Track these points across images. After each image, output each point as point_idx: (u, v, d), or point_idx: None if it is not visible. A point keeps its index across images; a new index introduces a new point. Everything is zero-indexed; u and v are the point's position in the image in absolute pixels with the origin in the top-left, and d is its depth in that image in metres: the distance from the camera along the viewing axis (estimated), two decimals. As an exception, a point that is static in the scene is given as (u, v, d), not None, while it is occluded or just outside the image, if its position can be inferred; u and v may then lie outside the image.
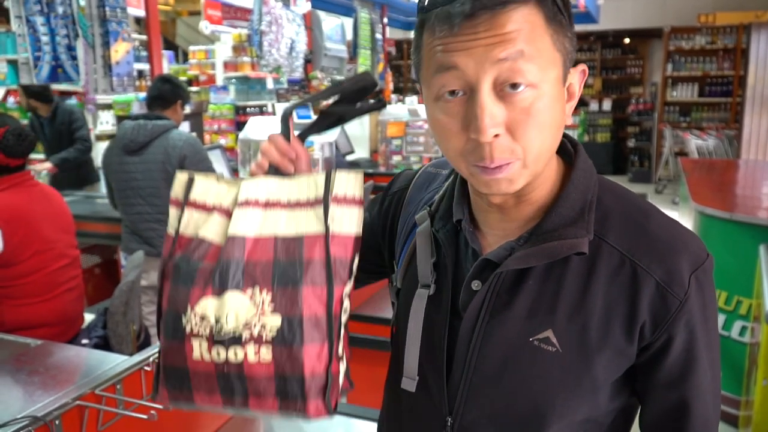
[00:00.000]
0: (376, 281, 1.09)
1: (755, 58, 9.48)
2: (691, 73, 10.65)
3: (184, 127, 3.63)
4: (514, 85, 0.71)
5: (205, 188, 0.85)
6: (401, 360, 0.90)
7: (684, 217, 4.84)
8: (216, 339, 0.79)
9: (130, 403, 1.48)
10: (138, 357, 1.60)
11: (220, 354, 0.79)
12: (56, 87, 5.55)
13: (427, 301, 0.87)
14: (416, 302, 0.88)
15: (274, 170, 0.87)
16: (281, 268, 0.80)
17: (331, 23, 5.97)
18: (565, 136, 0.84)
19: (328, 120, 0.92)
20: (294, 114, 0.90)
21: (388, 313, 1.00)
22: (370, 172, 5.37)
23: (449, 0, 0.71)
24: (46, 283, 2.30)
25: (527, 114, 0.72)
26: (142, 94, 4.91)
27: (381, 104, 0.92)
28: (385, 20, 7.35)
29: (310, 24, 5.48)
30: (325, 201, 0.83)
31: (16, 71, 3.48)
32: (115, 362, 1.59)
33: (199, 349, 0.80)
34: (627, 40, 12.21)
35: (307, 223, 0.82)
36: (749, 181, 5.00)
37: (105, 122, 6.04)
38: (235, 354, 0.79)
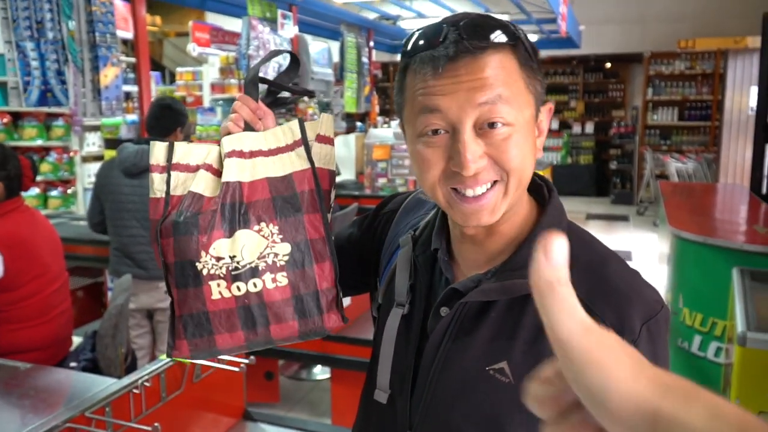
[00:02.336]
0: (355, 295, 1.16)
1: (732, 83, 9.70)
2: (671, 97, 10.87)
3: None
4: (492, 124, 0.78)
5: (186, 151, 0.94)
6: (375, 372, 0.96)
7: (663, 239, 4.93)
8: (234, 275, 0.88)
9: (119, 425, 1.51)
10: (127, 380, 1.63)
11: (240, 288, 0.88)
12: (45, 110, 5.58)
13: (401, 320, 0.93)
14: (391, 319, 0.94)
15: (247, 126, 0.98)
16: (280, 202, 0.91)
17: (317, 47, 6.04)
18: (543, 180, 0.91)
19: (275, 93, 1.06)
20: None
21: (371, 335, 1.05)
22: (355, 194, 5.42)
23: (433, 45, 0.79)
24: (41, 306, 2.31)
25: (506, 142, 0.79)
26: (130, 117, 4.94)
27: (309, 93, 1.12)
28: (372, 44, 7.46)
29: (297, 48, 5.56)
30: (304, 141, 0.95)
31: (5, 95, 3.50)
32: (104, 385, 1.62)
33: (217, 288, 0.88)
34: (608, 65, 12.43)
35: (292, 163, 0.94)
36: (727, 205, 5.11)
37: (92, 144, 6.06)
38: (254, 285, 0.88)
